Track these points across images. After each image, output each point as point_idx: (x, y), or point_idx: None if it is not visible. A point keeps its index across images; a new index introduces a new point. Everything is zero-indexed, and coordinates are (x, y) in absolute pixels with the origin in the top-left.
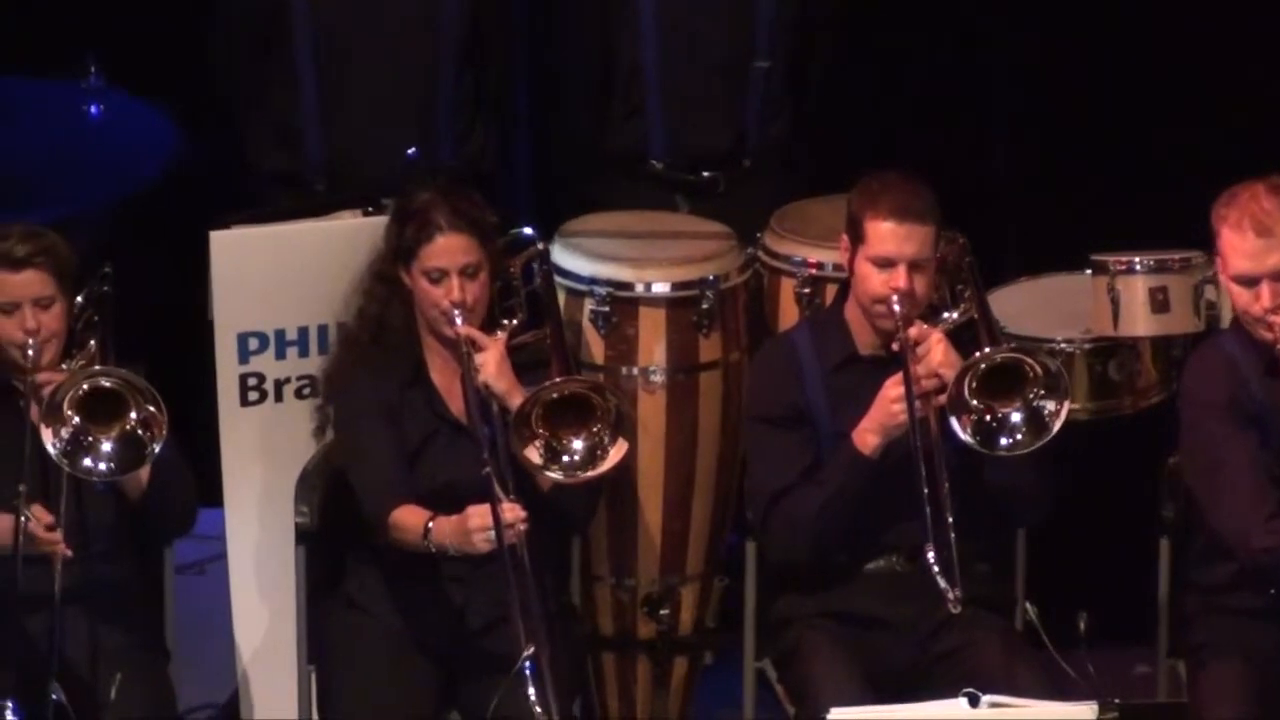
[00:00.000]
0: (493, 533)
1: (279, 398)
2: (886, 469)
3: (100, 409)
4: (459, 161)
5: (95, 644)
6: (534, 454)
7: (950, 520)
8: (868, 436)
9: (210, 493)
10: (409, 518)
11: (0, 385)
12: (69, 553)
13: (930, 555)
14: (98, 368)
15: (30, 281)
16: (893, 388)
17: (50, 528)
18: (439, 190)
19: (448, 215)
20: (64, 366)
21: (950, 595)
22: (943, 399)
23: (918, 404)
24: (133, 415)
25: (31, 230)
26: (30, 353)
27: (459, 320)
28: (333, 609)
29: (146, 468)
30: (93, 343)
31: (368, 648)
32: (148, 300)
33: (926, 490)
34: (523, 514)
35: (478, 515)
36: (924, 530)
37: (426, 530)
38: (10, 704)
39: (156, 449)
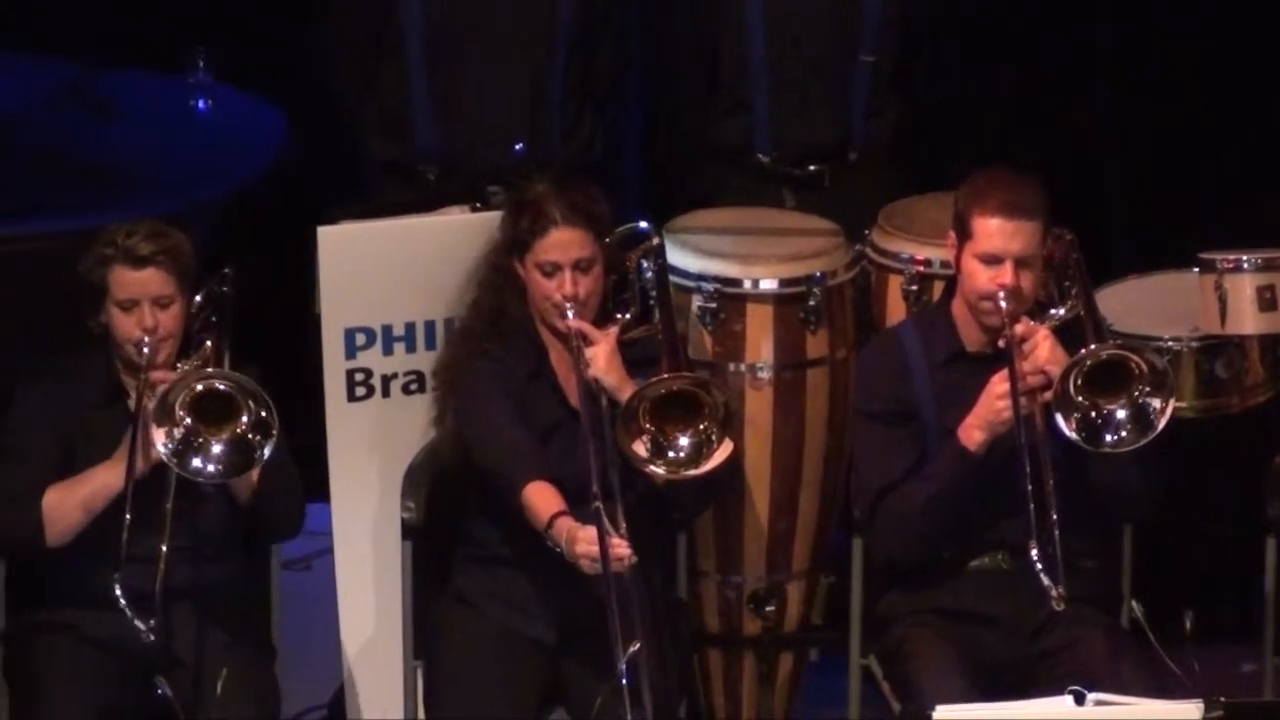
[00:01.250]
0: (598, 563)
1: (386, 393)
2: (992, 465)
3: (212, 411)
4: (567, 152)
5: (202, 640)
6: (640, 448)
7: (1054, 517)
8: (973, 432)
9: (317, 488)
10: (539, 503)
11: (113, 383)
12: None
13: (1034, 552)
14: (211, 370)
15: (151, 279)
16: (998, 384)
17: None
18: (554, 183)
19: (563, 209)
20: (178, 366)
21: (1054, 593)
22: (1048, 395)
23: (1023, 401)
24: (244, 419)
25: (157, 229)
26: (145, 350)
27: (570, 314)
28: (439, 605)
29: (256, 471)
30: (208, 343)
31: (474, 644)
32: (255, 295)
33: (1030, 487)
34: (628, 552)
35: (586, 542)
36: (1028, 527)
37: (550, 524)
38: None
39: (266, 454)
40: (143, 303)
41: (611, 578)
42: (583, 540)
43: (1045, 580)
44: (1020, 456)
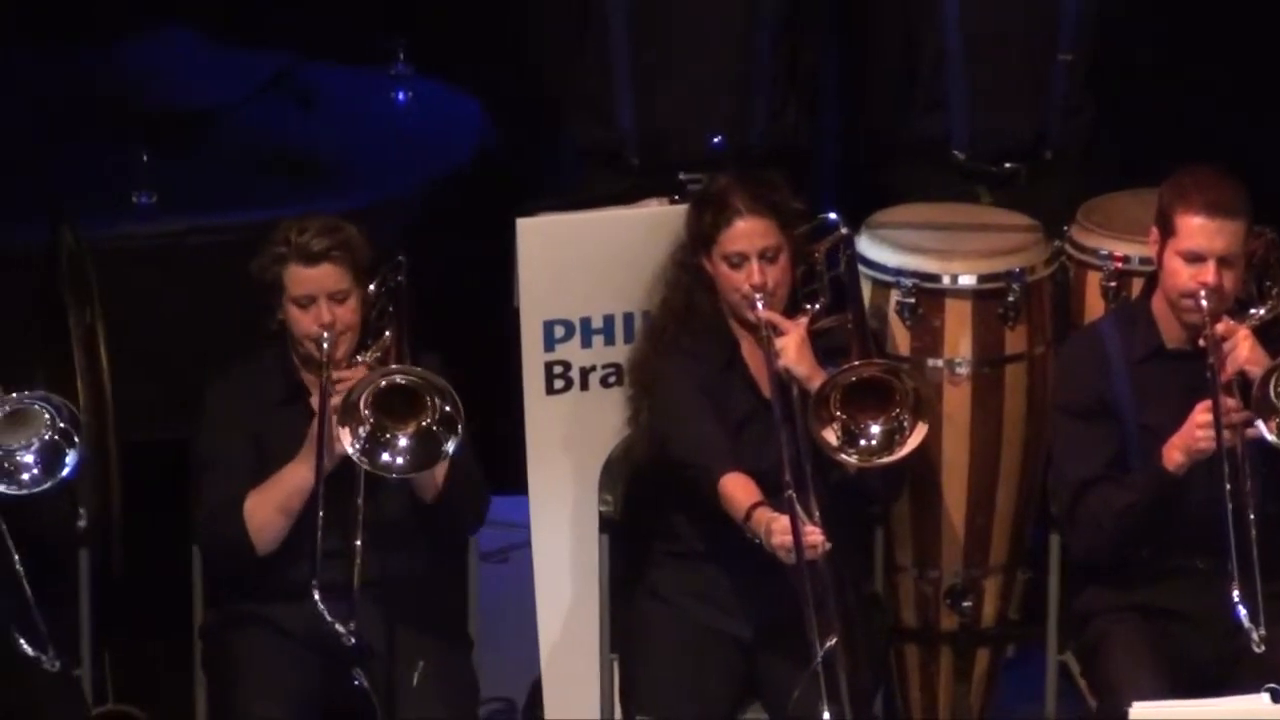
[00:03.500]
0: (792, 553)
1: (584, 386)
2: (1194, 472)
3: (397, 405)
4: (771, 140)
5: (397, 632)
6: (831, 436)
7: (1255, 556)
8: (1174, 454)
9: (514, 480)
10: (738, 493)
11: (293, 381)
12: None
13: (1235, 594)
14: (394, 366)
15: (326, 275)
16: (1201, 413)
17: None
18: (737, 175)
19: (746, 199)
20: (359, 359)
21: (1255, 635)
22: (1252, 432)
23: (1226, 434)
24: (429, 412)
25: (329, 224)
26: (325, 346)
27: (760, 304)
28: (635, 599)
29: (442, 465)
30: (388, 334)
31: (670, 639)
32: (454, 287)
33: (1233, 530)
34: (822, 539)
35: (782, 532)
36: (1227, 552)
37: (748, 514)
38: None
39: (451, 447)
40: (319, 299)
41: (805, 567)
42: (778, 531)
43: (1246, 623)
44: (1220, 490)
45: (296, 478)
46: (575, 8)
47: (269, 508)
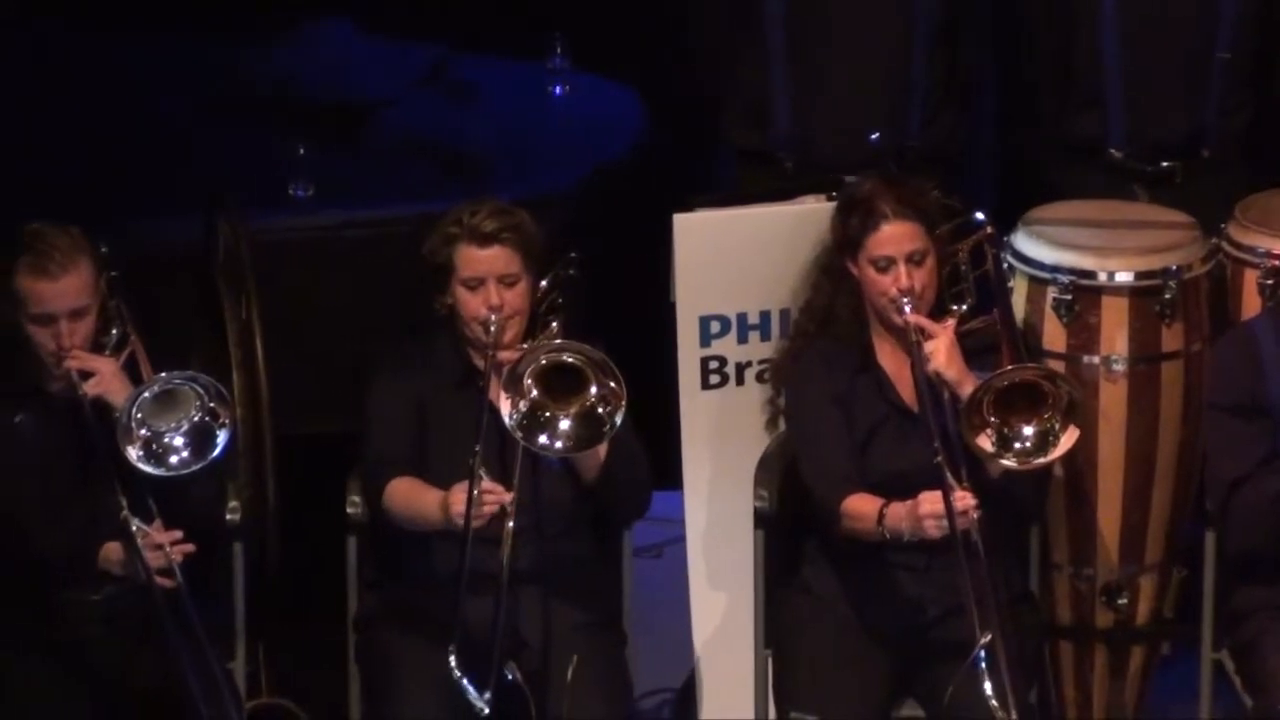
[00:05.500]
0: (944, 520)
1: (740, 381)
2: None
3: (560, 386)
4: (925, 144)
5: (551, 625)
6: (985, 441)
7: None
8: None
9: (669, 475)
10: (862, 506)
11: (464, 365)
12: (510, 524)
13: None
14: (560, 341)
15: (497, 257)
16: None
17: (496, 501)
18: (882, 179)
19: (892, 204)
20: (524, 346)
21: None
22: None
23: None
24: (592, 391)
25: (501, 207)
26: (492, 329)
27: (908, 308)
28: (789, 594)
29: (604, 446)
30: (554, 325)
31: (823, 634)
32: (610, 282)
33: None
34: (974, 502)
35: (929, 501)
36: None
37: (881, 516)
38: (463, 674)
39: (616, 422)
40: (488, 281)
41: (961, 537)
42: (925, 500)
43: None
44: None
45: (430, 513)
46: (733, 12)
47: (404, 510)
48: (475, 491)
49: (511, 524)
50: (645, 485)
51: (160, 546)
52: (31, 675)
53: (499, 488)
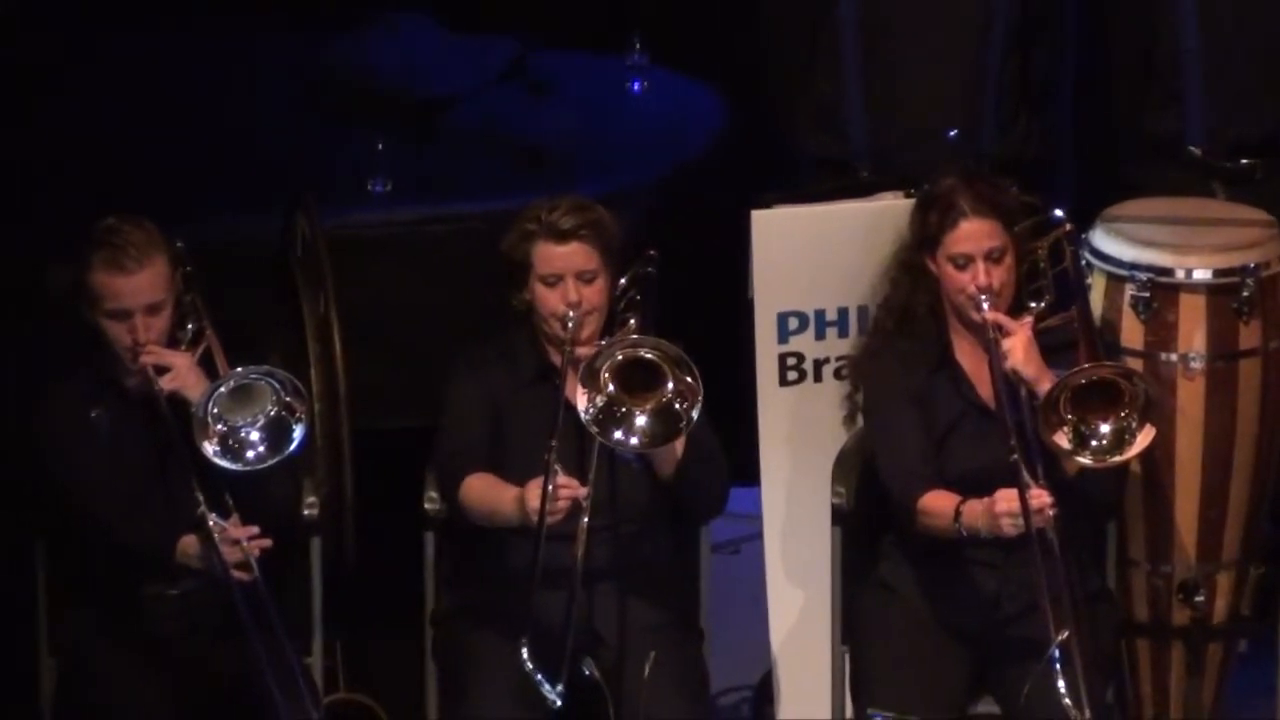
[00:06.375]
0: (1020, 518)
1: (818, 378)
2: None
3: (637, 381)
4: (1001, 150)
5: (628, 622)
6: (1062, 439)
7: None
8: None
9: (746, 472)
10: (939, 503)
11: (542, 362)
12: (584, 519)
13: None
14: (637, 337)
15: (575, 254)
16: None
17: (571, 495)
18: (961, 176)
19: (971, 201)
20: (601, 343)
21: None
22: None
23: None
24: (669, 387)
25: (579, 203)
26: (570, 325)
27: (986, 305)
28: (866, 591)
29: (680, 443)
30: (632, 322)
31: (901, 632)
32: (687, 278)
33: None
34: (1050, 500)
35: (1005, 499)
36: None
37: (957, 514)
38: (536, 667)
39: (692, 418)
40: (566, 277)
41: (1037, 534)
42: (1001, 499)
43: None
44: None
45: (505, 509)
46: (807, 20)
47: (479, 506)
48: (550, 486)
49: (586, 520)
50: (722, 482)
51: (237, 541)
52: (114, 669)
53: (574, 482)
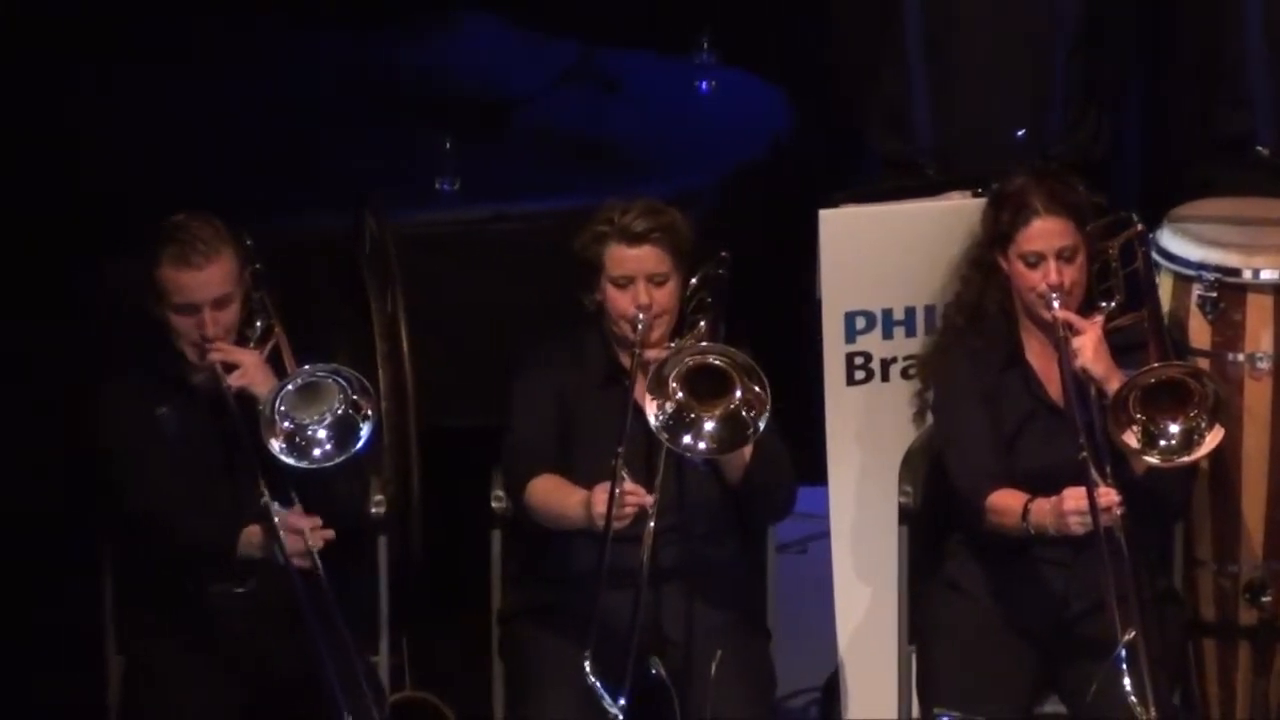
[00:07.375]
0: (1088, 516)
1: (885, 377)
2: None
3: (705, 387)
4: (1067, 151)
5: (695, 622)
6: (1131, 438)
7: None
8: None
9: (813, 471)
10: (1007, 500)
11: (611, 363)
12: (650, 524)
13: None
14: (705, 344)
15: (646, 257)
16: None
17: (637, 503)
18: (1034, 174)
19: (1044, 199)
20: (671, 345)
21: None
22: None
23: None
24: (737, 394)
25: (652, 206)
26: (639, 327)
27: (1056, 304)
28: (932, 590)
29: (748, 449)
30: (702, 324)
31: (967, 630)
32: (755, 278)
33: None
34: (1117, 498)
35: (1073, 498)
36: None
37: (1025, 511)
38: (598, 678)
39: (759, 427)
40: (638, 280)
41: (1104, 534)
42: (1069, 497)
43: None
44: None
45: (572, 512)
46: (874, 21)
47: (545, 508)
48: (617, 492)
49: (652, 524)
50: (788, 488)
51: (300, 531)
52: (180, 667)
53: (640, 490)
